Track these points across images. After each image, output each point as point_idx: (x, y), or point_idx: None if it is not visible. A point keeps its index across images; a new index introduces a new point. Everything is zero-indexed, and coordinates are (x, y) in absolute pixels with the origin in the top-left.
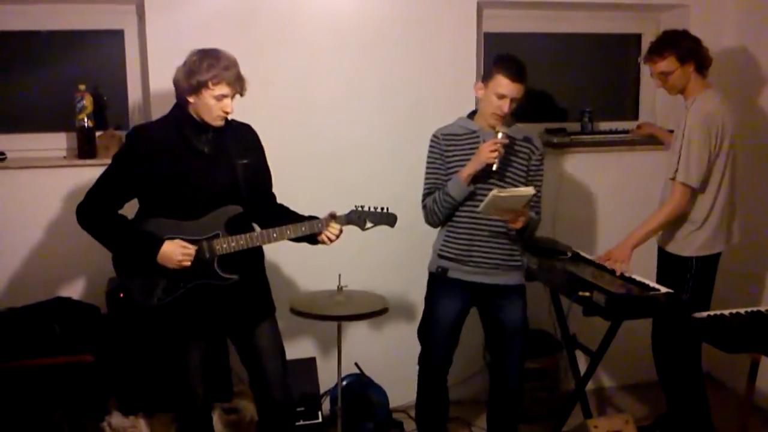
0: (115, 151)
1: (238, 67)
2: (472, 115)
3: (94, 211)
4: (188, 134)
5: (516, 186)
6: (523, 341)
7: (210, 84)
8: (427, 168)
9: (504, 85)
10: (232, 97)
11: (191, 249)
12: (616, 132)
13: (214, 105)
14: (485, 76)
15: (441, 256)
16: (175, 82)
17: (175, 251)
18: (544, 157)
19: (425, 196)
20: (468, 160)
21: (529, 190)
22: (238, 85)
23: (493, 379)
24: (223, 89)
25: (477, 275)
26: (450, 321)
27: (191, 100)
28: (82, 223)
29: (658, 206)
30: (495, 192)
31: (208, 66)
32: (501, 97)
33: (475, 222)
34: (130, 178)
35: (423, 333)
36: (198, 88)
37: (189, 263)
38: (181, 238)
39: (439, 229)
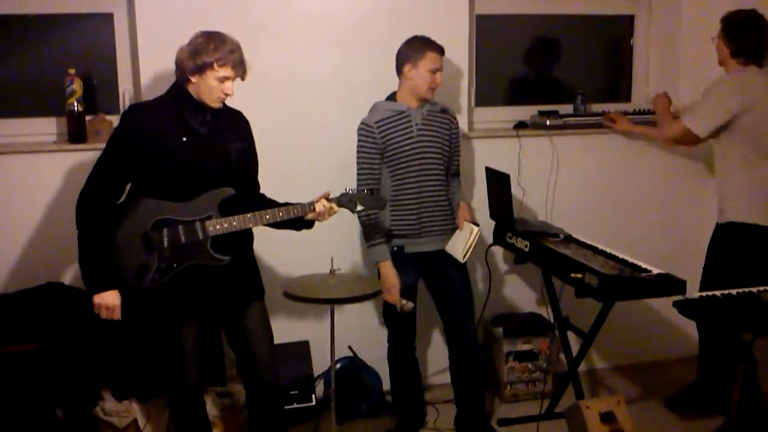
0: (107, 134)
1: (242, 51)
2: (391, 97)
3: (96, 202)
4: (186, 114)
5: (441, 156)
6: (471, 295)
7: (215, 65)
8: (361, 159)
9: (435, 59)
10: (233, 80)
11: (117, 314)
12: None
13: (216, 86)
14: (411, 57)
15: (394, 236)
16: (178, 62)
17: (108, 301)
18: (459, 125)
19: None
20: (403, 138)
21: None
22: (241, 68)
23: (451, 342)
24: (227, 71)
25: (427, 245)
26: (412, 292)
27: (193, 80)
28: (81, 213)
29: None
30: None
31: (214, 48)
32: (435, 71)
33: (420, 196)
34: (128, 158)
35: (391, 312)
36: (203, 69)
37: (104, 317)
38: (174, 219)
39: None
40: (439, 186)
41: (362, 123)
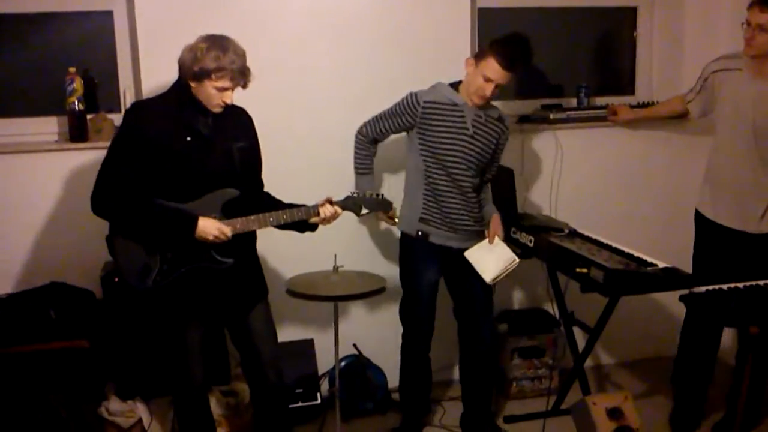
0: (108, 133)
1: (245, 59)
2: (456, 85)
3: (114, 195)
4: (188, 115)
5: (482, 159)
6: (492, 303)
7: (213, 75)
8: (386, 115)
9: (494, 70)
10: (233, 90)
11: (227, 230)
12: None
13: (215, 95)
14: (478, 54)
15: (422, 220)
16: (180, 63)
17: (212, 227)
18: (508, 136)
19: (365, 128)
20: (449, 131)
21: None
22: (241, 78)
23: (464, 344)
24: (225, 83)
25: (452, 240)
26: (432, 291)
27: (193, 84)
28: (102, 210)
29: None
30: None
31: (214, 57)
32: (488, 80)
33: (453, 188)
34: (135, 159)
35: (408, 308)
36: (201, 77)
37: (225, 239)
38: None
39: (407, 189)
40: (470, 187)
41: (412, 93)
